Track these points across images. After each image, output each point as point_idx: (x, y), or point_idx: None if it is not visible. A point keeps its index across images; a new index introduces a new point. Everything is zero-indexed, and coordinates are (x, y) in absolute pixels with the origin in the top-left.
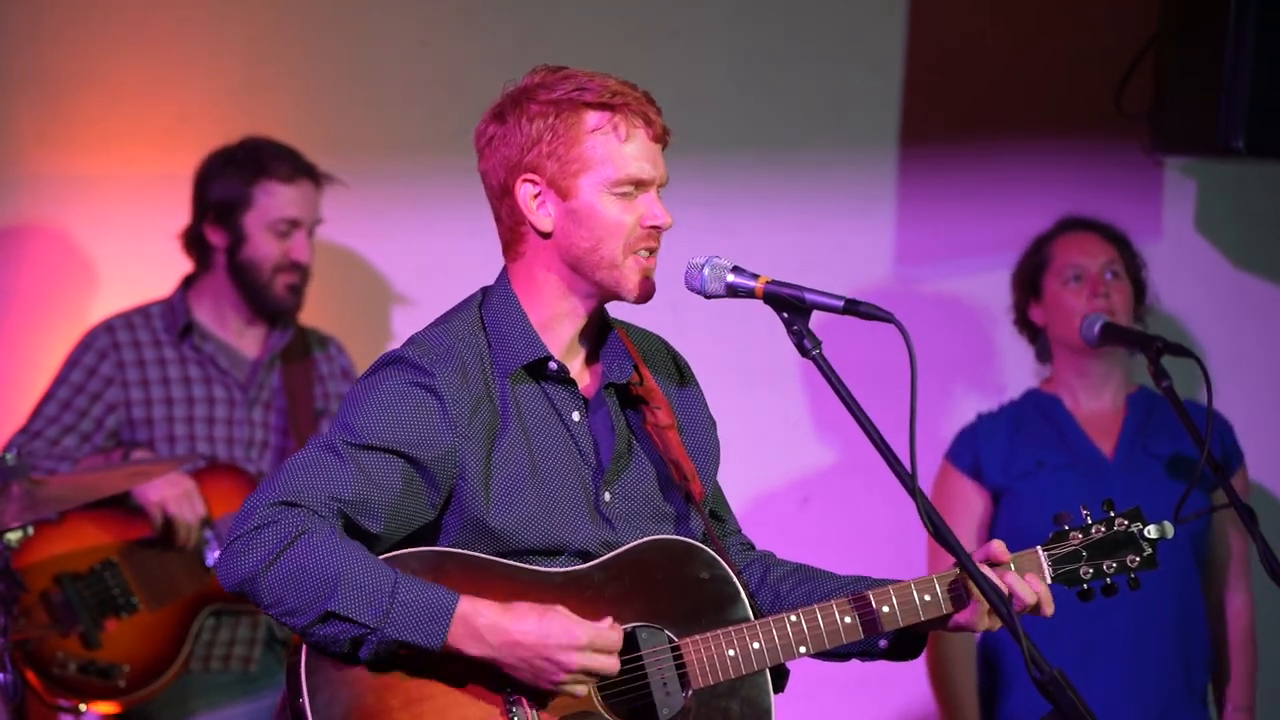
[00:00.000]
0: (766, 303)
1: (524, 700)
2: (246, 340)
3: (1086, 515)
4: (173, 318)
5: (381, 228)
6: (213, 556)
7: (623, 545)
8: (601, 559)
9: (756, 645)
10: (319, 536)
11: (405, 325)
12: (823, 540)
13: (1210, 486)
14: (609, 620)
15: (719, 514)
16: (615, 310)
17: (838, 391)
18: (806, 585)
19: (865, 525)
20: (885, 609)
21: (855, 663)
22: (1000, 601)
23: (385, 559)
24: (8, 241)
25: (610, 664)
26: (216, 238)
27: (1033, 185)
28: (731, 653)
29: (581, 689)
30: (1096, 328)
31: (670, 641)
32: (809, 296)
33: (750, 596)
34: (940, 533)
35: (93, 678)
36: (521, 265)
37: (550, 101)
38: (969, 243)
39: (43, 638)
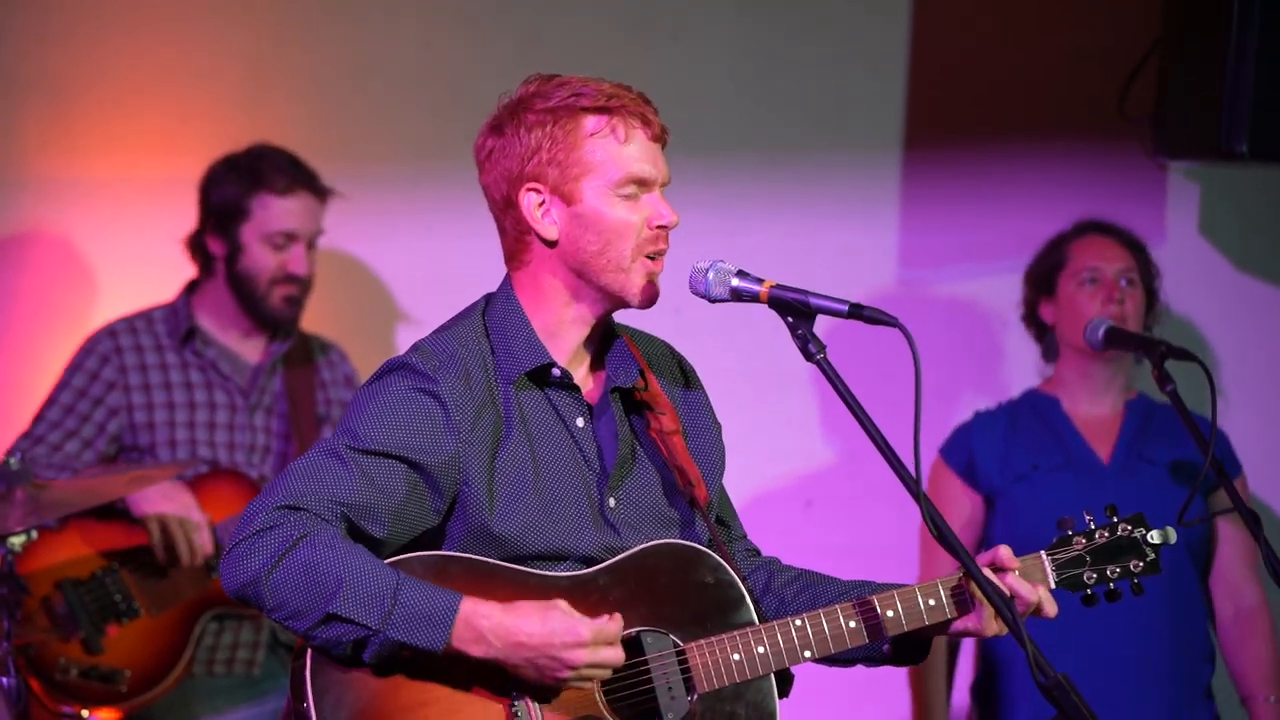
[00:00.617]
0: (771, 307)
1: (529, 701)
2: (248, 346)
3: (1090, 520)
4: (175, 322)
5: (383, 233)
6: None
7: (627, 550)
8: (607, 563)
9: (761, 649)
10: (321, 539)
11: (408, 331)
12: (825, 544)
13: (1208, 491)
14: (606, 616)
15: (724, 519)
16: (620, 315)
17: (842, 395)
18: (811, 591)
19: (868, 529)
20: (890, 613)
21: (860, 668)
22: (1004, 605)
23: (389, 563)
24: (11, 245)
25: (615, 656)
26: (216, 246)
27: (1036, 189)
28: (736, 657)
29: (586, 684)
30: (1101, 331)
31: (675, 646)
32: (814, 301)
33: (755, 601)
34: (945, 537)
35: (94, 683)
36: (526, 273)
37: (547, 110)
38: (973, 246)
39: (44, 643)
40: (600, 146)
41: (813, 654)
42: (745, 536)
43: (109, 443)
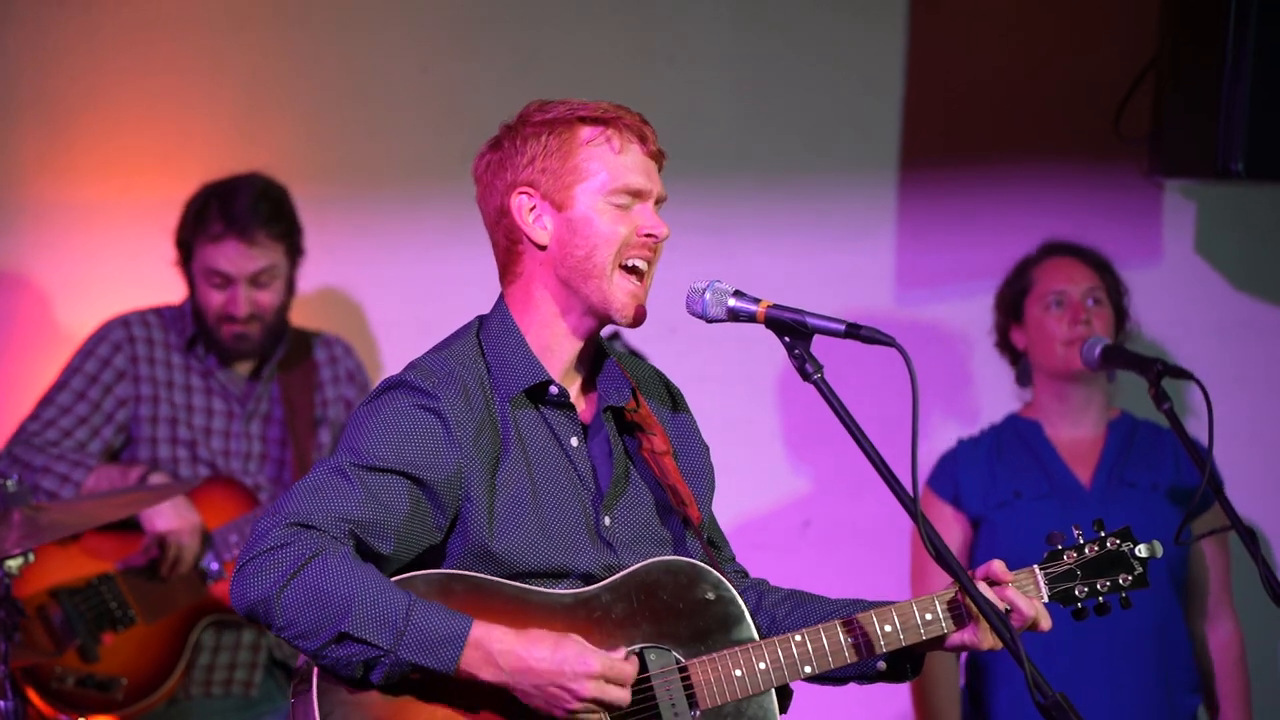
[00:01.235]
0: (768, 327)
1: None
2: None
3: (1079, 535)
4: (182, 325)
5: (381, 254)
6: (213, 565)
7: (625, 568)
8: (609, 580)
9: (763, 665)
10: (334, 559)
11: (405, 349)
12: (824, 564)
13: (1195, 512)
14: (623, 651)
15: (714, 541)
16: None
17: (839, 415)
18: (802, 610)
19: (866, 549)
20: (887, 628)
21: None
22: (1002, 624)
23: (393, 581)
24: (9, 267)
25: (621, 696)
26: (183, 276)
27: (1033, 208)
28: (738, 673)
29: (592, 717)
30: (1098, 350)
31: (678, 662)
32: (811, 321)
33: (753, 617)
34: (942, 555)
35: (91, 691)
36: (518, 287)
37: (544, 121)
38: (969, 266)
39: (43, 662)
40: (595, 155)
41: (813, 669)
42: (734, 559)
43: (116, 432)
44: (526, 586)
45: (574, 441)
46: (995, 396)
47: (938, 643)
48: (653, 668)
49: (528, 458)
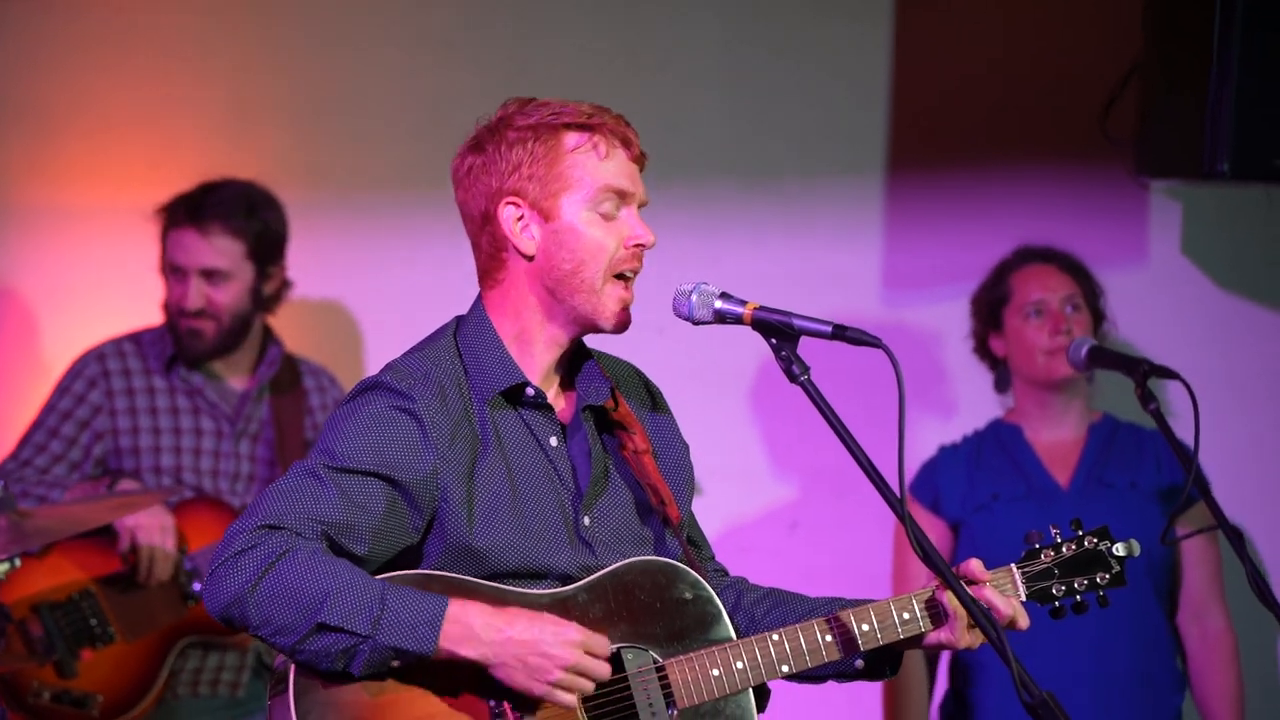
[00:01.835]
0: (755, 329)
1: (509, 713)
2: (234, 371)
3: (1056, 534)
4: (162, 346)
5: (366, 258)
6: (195, 586)
7: (603, 568)
8: (586, 580)
9: (740, 664)
10: (303, 554)
11: (390, 354)
12: (811, 565)
13: (1180, 512)
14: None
15: (694, 540)
16: (601, 337)
17: (826, 417)
18: (781, 609)
19: (853, 551)
20: (865, 627)
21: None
22: (988, 622)
23: None
24: None
25: (601, 668)
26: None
27: (1019, 210)
28: (716, 672)
29: (570, 697)
30: (1084, 350)
31: (655, 662)
32: (797, 322)
33: (731, 616)
34: (928, 555)
35: (66, 707)
36: (499, 293)
37: (528, 126)
38: (956, 268)
39: (20, 671)
40: (580, 162)
41: (790, 668)
42: (713, 558)
43: (94, 466)
44: (503, 587)
45: (553, 441)
46: (981, 398)
47: (915, 641)
48: (630, 667)
49: (506, 458)
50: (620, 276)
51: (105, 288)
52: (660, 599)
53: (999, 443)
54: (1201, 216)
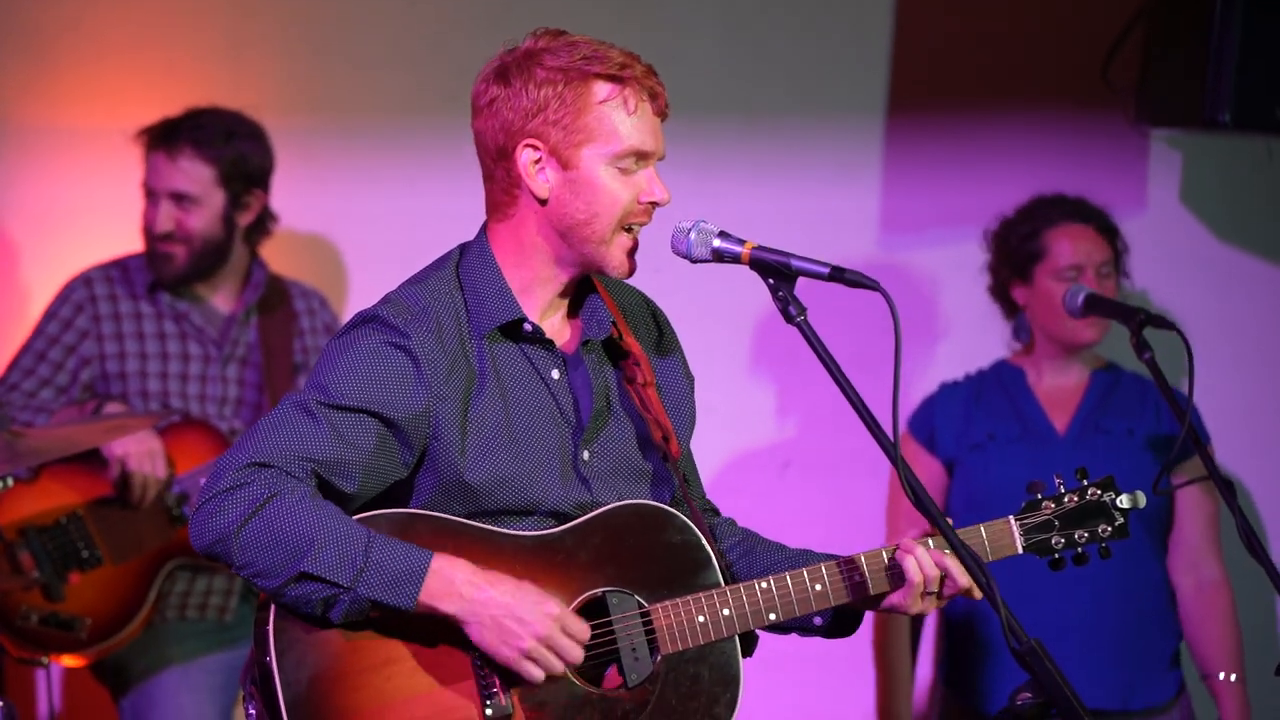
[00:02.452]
0: (752, 269)
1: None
2: (220, 295)
3: (1060, 484)
4: (149, 271)
5: (367, 188)
6: (185, 509)
7: (597, 506)
8: (573, 523)
9: (726, 612)
10: (292, 498)
11: (389, 283)
12: (802, 506)
13: (1175, 462)
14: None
15: (687, 477)
16: None
17: (822, 358)
18: (748, 558)
19: (845, 493)
20: (857, 578)
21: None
22: (979, 569)
23: (356, 519)
24: None
25: (573, 650)
26: None
27: (1018, 155)
28: (701, 619)
29: (536, 672)
30: (1080, 298)
31: (640, 607)
32: (795, 263)
33: (721, 561)
34: (921, 501)
35: (54, 630)
36: (507, 226)
37: (558, 68)
38: (953, 212)
39: (8, 590)
40: (607, 115)
41: (778, 616)
42: (704, 495)
43: (82, 391)
44: (489, 528)
45: (555, 374)
46: (976, 341)
47: (874, 601)
48: (614, 611)
49: (504, 392)
50: (628, 229)
51: (102, 207)
52: (648, 543)
53: (1000, 384)
54: (1201, 166)
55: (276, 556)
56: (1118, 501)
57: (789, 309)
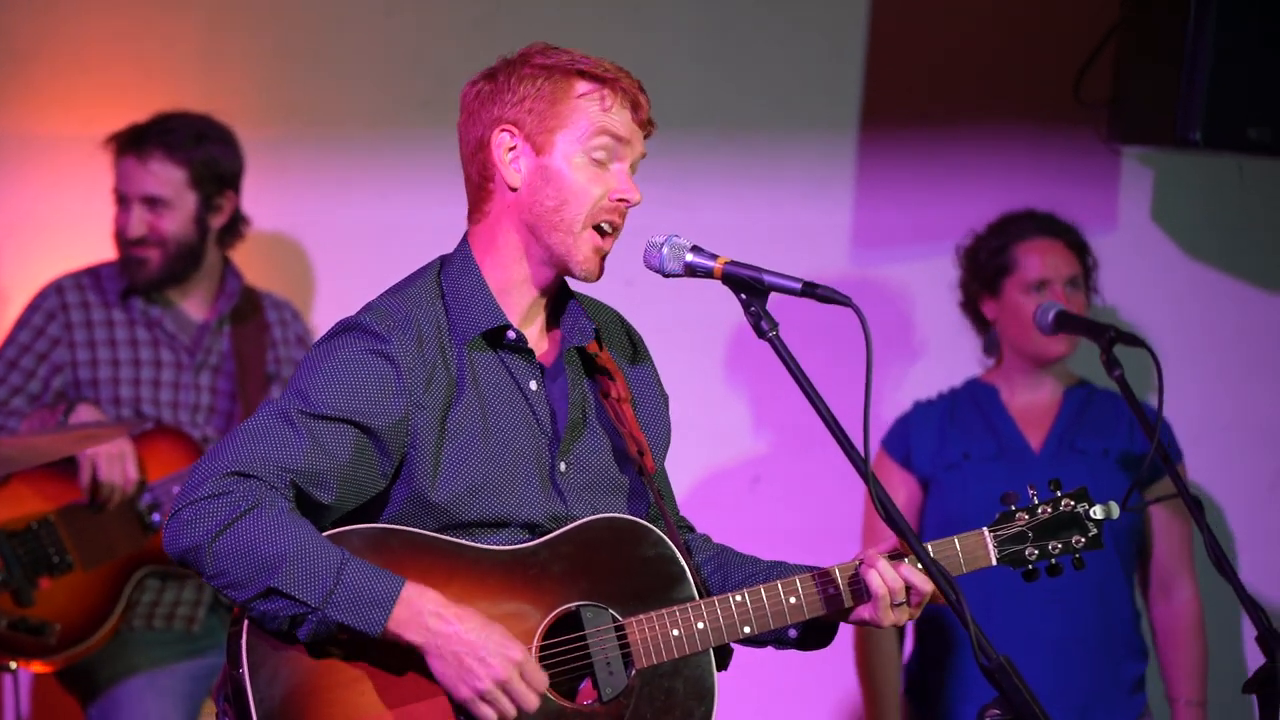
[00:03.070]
0: (725, 283)
1: None
2: (192, 301)
3: (1033, 495)
4: (121, 279)
5: (340, 198)
6: (154, 518)
7: (571, 519)
8: (548, 537)
9: (701, 625)
10: (270, 512)
11: (364, 294)
12: (773, 521)
13: (1145, 480)
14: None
15: (662, 493)
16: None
17: (793, 373)
18: (721, 573)
19: (816, 507)
20: (832, 591)
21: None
22: (949, 586)
23: (329, 535)
24: None
25: (529, 699)
26: None
27: (991, 171)
28: (676, 633)
29: (490, 713)
30: (1051, 315)
31: (615, 621)
32: (767, 278)
33: (696, 575)
34: (892, 518)
35: (22, 635)
36: (484, 226)
37: (544, 66)
38: (925, 227)
39: None
40: (583, 107)
41: (753, 629)
42: (678, 512)
43: (54, 398)
44: (463, 542)
45: (533, 385)
46: (948, 358)
47: (847, 614)
48: (589, 625)
49: (483, 401)
50: (599, 229)
51: (75, 215)
52: (623, 557)
53: (974, 402)
54: (1173, 184)
55: (248, 569)
56: (1091, 512)
57: (761, 324)
